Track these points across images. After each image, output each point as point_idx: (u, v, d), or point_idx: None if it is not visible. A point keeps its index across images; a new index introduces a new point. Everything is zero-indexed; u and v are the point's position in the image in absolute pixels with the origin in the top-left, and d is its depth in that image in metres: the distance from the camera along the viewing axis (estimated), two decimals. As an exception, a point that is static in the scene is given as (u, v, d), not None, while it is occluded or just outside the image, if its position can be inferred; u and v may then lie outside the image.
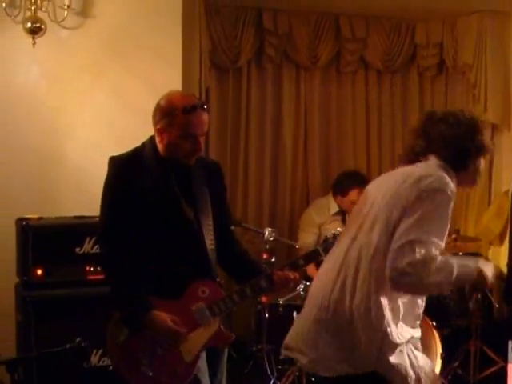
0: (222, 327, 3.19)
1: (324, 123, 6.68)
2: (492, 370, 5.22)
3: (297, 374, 4.89)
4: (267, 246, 4.92)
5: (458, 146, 2.93)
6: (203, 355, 3.19)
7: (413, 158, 3.02)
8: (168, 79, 4.86)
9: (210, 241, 3.23)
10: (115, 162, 3.24)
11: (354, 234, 2.94)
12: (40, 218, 4.37)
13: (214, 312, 3.15)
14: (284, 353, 3.04)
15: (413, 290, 2.81)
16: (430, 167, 2.90)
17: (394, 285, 2.72)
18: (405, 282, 2.68)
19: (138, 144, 4.66)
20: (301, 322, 3.02)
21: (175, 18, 4.92)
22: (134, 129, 4.82)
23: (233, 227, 3.56)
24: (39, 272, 4.18)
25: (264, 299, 5.11)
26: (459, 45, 6.60)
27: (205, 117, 3.16)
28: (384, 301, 2.80)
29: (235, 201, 6.33)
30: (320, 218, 5.94)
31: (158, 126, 3.17)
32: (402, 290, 2.78)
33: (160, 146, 3.18)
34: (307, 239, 5.89)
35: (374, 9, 6.38)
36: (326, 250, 3.25)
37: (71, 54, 4.75)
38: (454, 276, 2.72)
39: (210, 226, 3.24)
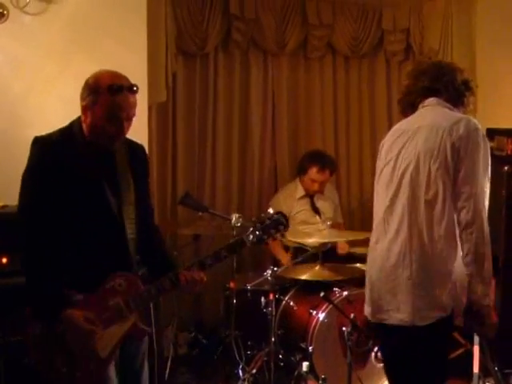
0: (137, 322, 3.11)
1: (292, 108, 6.70)
2: (458, 352, 5.25)
3: (265, 359, 4.91)
4: (234, 232, 4.92)
5: (454, 84, 3.34)
6: None
7: (412, 100, 3.43)
8: (133, 65, 4.83)
9: (130, 230, 3.14)
10: (39, 143, 3.11)
11: (406, 196, 3.19)
12: (4, 206, 4.34)
13: (130, 307, 3.07)
14: (376, 317, 3.29)
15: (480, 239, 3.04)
16: (446, 113, 3.24)
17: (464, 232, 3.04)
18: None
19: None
20: (388, 284, 3.22)
21: (140, 4, 4.90)
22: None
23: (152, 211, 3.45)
24: (4, 260, 4.16)
25: (232, 285, 5.12)
26: (425, 30, 6.66)
27: (132, 100, 3.04)
28: (457, 248, 3.11)
29: (203, 186, 6.34)
30: (287, 204, 5.97)
31: (83, 103, 3.05)
32: (471, 239, 3.03)
33: (84, 126, 3.07)
34: None
35: (340, -6, 6.39)
36: (257, 240, 3.23)
37: (35, 41, 4.70)
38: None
39: (131, 215, 3.16)
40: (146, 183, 3.32)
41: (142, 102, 4.81)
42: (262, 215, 3.38)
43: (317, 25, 6.47)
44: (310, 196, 6.04)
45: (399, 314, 3.19)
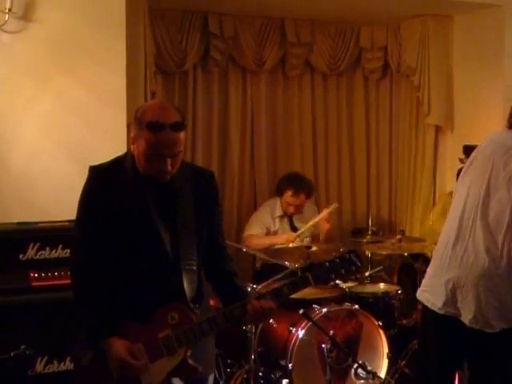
0: (187, 358, 2.95)
1: (270, 126, 6.73)
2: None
3: (245, 376, 4.91)
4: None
5: None
6: None
7: None
8: (112, 85, 4.84)
9: (187, 261, 3.01)
10: (92, 173, 3.03)
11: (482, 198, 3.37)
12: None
13: (181, 341, 2.92)
14: (450, 311, 3.44)
15: None
16: None
17: None
18: None
19: (82, 151, 4.71)
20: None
21: (119, 23, 4.89)
22: (79, 135, 4.81)
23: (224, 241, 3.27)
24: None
25: (212, 302, 5.10)
26: (403, 48, 6.71)
27: (175, 137, 2.86)
28: None
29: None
30: (267, 223, 6.05)
31: (132, 134, 2.95)
32: None
33: (135, 157, 2.96)
34: (253, 231, 5.95)
35: (318, 13, 6.43)
36: (316, 278, 3.09)
37: (13, 59, 4.67)
38: None
39: (190, 246, 3.03)
40: (213, 212, 3.16)
41: (120, 120, 4.90)
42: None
43: (295, 43, 6.52)
44: (288, 215, 6.07)
45: None
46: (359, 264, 3.17)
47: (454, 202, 3.58)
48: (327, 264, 3.12)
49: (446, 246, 3.50)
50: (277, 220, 6.05)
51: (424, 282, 3.68)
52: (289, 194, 5.93)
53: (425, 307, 3.61)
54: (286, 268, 5.37)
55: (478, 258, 3.35)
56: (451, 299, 3.45)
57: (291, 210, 6.00)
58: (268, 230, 6.03)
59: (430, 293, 3.57)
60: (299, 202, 5.99)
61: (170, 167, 2.89)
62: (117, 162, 3.06)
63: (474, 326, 3.38)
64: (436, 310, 3.51)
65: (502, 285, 3.34)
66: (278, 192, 6.06)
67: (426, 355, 3.67)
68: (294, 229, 6.06)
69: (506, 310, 3.35)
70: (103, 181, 3.00)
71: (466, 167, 3.57)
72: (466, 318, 3.41)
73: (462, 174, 3.60)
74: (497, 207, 3.32)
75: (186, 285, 3.01)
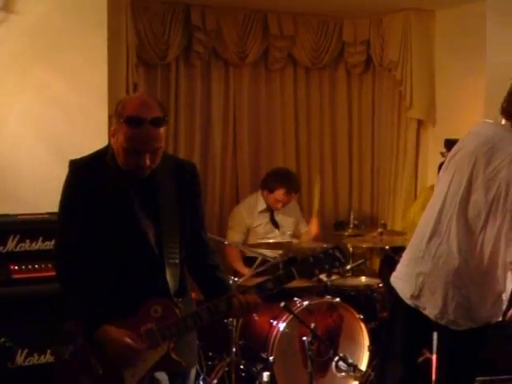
0: (171, 352, 2.91)
1: (253, 120, 6.73)
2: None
3: (226, 369, 4.92)
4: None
5: None
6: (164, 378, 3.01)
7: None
8: (94, 77, 4.84)
9: (171, 255, 2.97)
10: (72, 168, 2.98)
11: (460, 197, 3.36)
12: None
13: (165, 335, 2.87)
14: (416, 304, 3.49)
15: None
16: None
17: None
18: None
19: (63, 144, 4.69)
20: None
21: (100, 15, 4.87)
22: (60, 128, 4.80)
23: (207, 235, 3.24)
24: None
25: (193, 295, 5.09)
26: (385, 42, 6.73)
27: (155, 133, 2.81)
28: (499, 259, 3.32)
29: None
30: (249, 217, 6.04)
31: (112, 128, 2.90)
32: None
33: (114, 150, 2.91)
34: (235, 238, 5.98)
35: (301, 6, 6.44)
36: (301, 272, 3.05)
37: (-6, 51, 4.67)
38: None
39: (173, 239, 2.99)
40: (196, 205, 3.12)
41: (101, 112, 4.88)
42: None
43: (278, 36, 6.52)
44: (270, 210, 6.08)
45: None
46: (343, 260, 3.13)
47: (434, 196, 3.58)
48: (311, 259, 3.09)
49: (422, 239, 3.51)
50: (258, 215, 6.06)
51: (398, 268, 3.70)
52: (281, 192, 5.93)
53: (396, 292, 3.63)
54: (267, 261, 5.39)
55: (451, 257, 3.37)
56: (418, 293, 3.48)
57: (279, 206, 6.01)
58: (248, 229, 6.05)
59: (402, 280, 3.60)
60: (289, 199, 6.03)
61: (148, 162, 2.85)
62: (97, 156, 3.02)
63: (440, 322, 3.42)
64: (404, 299, 3.54)
65: (472, 285, 3.37)
66: (267, 188, 6.01)
67: (391, 339, 3.72)
68: (274, 223, 6.08)
69: (474, 311, 3.38)
70: (84, 175, 2.97)
71: (447, 161, 3.56)
72: (432, 313, 3.44)
73: (443, 168, 3.60)
74: (472, 210, 3.31)
75: (169, 279, 2.98)
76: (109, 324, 2.86)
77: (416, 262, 3.52)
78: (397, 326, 3.69)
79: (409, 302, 3.52)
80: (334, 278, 5.58)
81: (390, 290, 3.70)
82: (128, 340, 2.82)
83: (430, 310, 3.44)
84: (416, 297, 3.49)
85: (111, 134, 2.92)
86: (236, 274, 5.70)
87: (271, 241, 5.74)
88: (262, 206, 6.06)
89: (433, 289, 3.42)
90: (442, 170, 3.62)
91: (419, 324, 3.53)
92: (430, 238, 3.46)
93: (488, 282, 3.37)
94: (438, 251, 3.42)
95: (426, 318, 3.47)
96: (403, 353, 3.66)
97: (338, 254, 3.11)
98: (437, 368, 3.65)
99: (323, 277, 5.43)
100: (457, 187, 3.37)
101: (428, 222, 3.51)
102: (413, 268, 3.53)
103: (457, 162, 3.45)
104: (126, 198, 2.94)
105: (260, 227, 6.05)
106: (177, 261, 3.01)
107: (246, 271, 5.74)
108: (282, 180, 5.96)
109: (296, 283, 4.97)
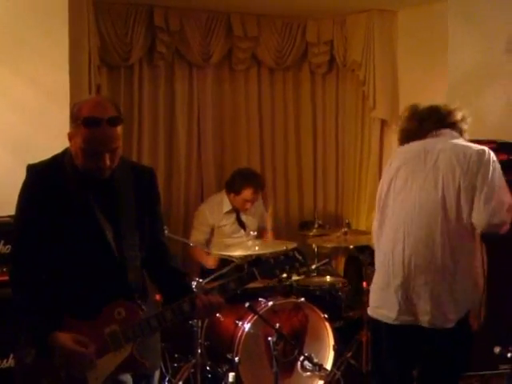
0: (135, 353, 2.92)
1: (217, 120, 6.73)
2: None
3: (191, 370, 4.92)
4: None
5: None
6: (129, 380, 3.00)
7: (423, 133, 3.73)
8: (55, 79, 4.78)
9: (131, 258, 2.98)
10: (30, 172, 2.97)
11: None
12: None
13: (128, 337, 2.88)
14: (405, 319, 3.57)
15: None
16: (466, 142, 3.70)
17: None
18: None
19: (25, 147, 4.65)
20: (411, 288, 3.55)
21: (61, 16, 4.82)
22: (21, 131, 4.75)
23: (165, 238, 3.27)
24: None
25: (158, 297, 5.08)
26: (348, 43, 6.75)
27: (113, 132, 2.82)
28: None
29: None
30: (213, 217, 6.04)
31: (69, 131, 2.90)
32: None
33: (73, 154, 2.91)
34: (199, 237, 5.98)
35: (265, 7, 6.45)
36: (262, 273, 3.10)
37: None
38: None
39: (133, 242, 2.99)
40: (154, 209, 3.14)
41: (64, 115, 4.78)
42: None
43: (242, 37, 6.52)
44: (235, 210, 6.08)
45: None
46: (303, 261, 3.21)
47: (392, 214, 3.71)
48: (272, 260, 3.16)
49: (386, 252, 3.58)
50: (224, 215, 6.06)
51: (373, 296, 3.77)
52: (249, 192, 5.91)
53: (377, 323, 3.66)
54: (232, 262, 5.39)
55: (418, 257, 3.44)
56: (405, 306, 3.55)
57: (248, 206, 6.02)
58: (212, 228, 6.05)
59: (383, 307, 3.66)
60: (257, 197, 6.06)
61: (108, 163, 2.86)
62: (55, 160, 3.01)
63: (434, 325, 3.50)
64: (390, 322, 3.59)
65: (446, 278, 3.48)
66: (232, 189, 6.00)
67: (385, 367, 3.79)
68: (240, 223, 6.09)
69: (458, 300, 3.50)
70: (42, 179, 2.95)
71: (394, 173, 3.71)
72: (424, 320, 3.52)
73: (391, 178, 3.72)
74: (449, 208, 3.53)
75: (131, 281, 2.99)
76: (68, 327, 2.84)
77: (390, 278, 3.60)
78: (388, 353, 3.76)
79: (397, 322, 3.59)
80: (299, 277, 5.60)
81: (372, 322, 3.82)
82: (74, 346, 2.80)
83: (422, 317, 3.53)
84: (404, 311, 3.57)
85: (68, 138, 2.91)
86: (202, 272, 5.71)
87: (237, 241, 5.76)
88: (227, 207, 6.05)
89: (416, 296, 3.52)
90: (391, 179, 3.74)
91: (410, 342, 3.63)
92: (393, 249, 3.57)
93: (463, 268, 3.51)
94: (405, 258, 3.52)
95: (416, 332, 3.55)
96: (400, 374, 3.74)
97: (297, 255, 3.19)
98: (425, 372, 3.72)
99: (292, 277, 5.46)
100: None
101: (390, 237, 3.65)
102: (388, 287, 3.62)
103: (417, 173, 3.64)
104: (85, 201, 2.93)
105: (226, 227, 6.05)
106: (138, 263, 3.03)
107: (210, 261, 5.79)
108: (248, 180, 5.96)
109: (261, 283, 5.05)
